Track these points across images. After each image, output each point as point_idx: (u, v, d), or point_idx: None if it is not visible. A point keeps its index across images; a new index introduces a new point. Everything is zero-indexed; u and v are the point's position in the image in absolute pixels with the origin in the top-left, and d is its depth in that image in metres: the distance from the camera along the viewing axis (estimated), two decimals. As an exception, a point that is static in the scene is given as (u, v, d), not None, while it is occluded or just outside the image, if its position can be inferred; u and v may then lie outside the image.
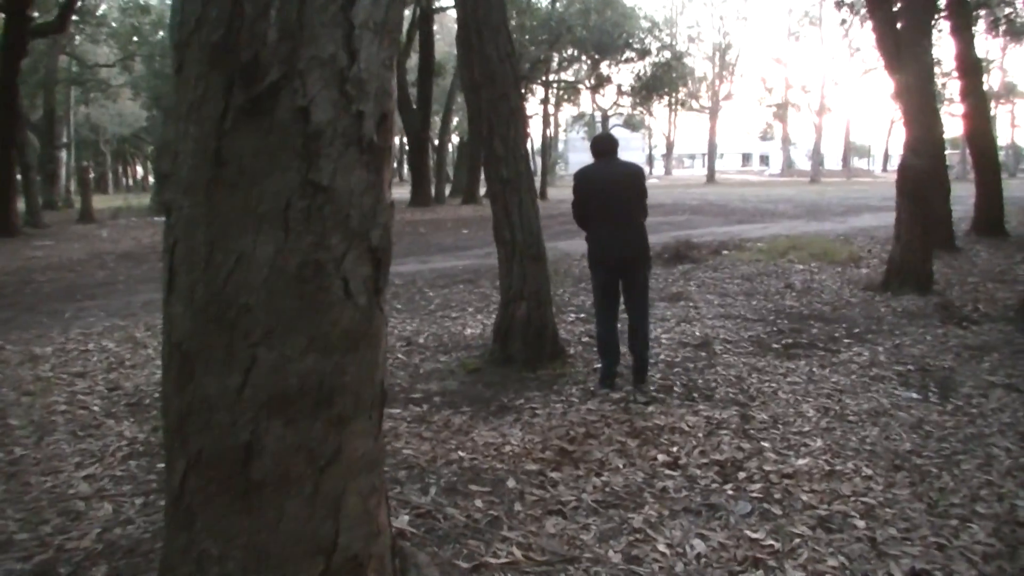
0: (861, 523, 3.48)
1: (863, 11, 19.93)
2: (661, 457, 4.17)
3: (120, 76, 34.88)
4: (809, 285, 10.01)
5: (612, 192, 5.45)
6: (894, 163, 69.64)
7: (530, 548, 3.08)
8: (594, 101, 47.30)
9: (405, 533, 2.87)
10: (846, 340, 7.08)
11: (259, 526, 2.01)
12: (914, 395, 5.50)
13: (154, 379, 5.76)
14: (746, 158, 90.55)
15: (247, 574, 2.02)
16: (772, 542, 3.23)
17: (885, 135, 64.21)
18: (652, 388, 5.48)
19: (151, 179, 47.41)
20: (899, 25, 10.74)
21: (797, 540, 3.27)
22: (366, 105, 2.00)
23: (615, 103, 44.45)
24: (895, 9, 11.78)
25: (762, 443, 4.43)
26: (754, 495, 3.72)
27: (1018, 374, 5.94)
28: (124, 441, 4.29)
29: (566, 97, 39.37)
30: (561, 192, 31.72)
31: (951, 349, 6.70)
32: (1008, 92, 52.07)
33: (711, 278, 10.77)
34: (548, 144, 33.68)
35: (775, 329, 7.53)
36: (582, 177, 5.60)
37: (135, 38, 31.51)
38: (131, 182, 64.96)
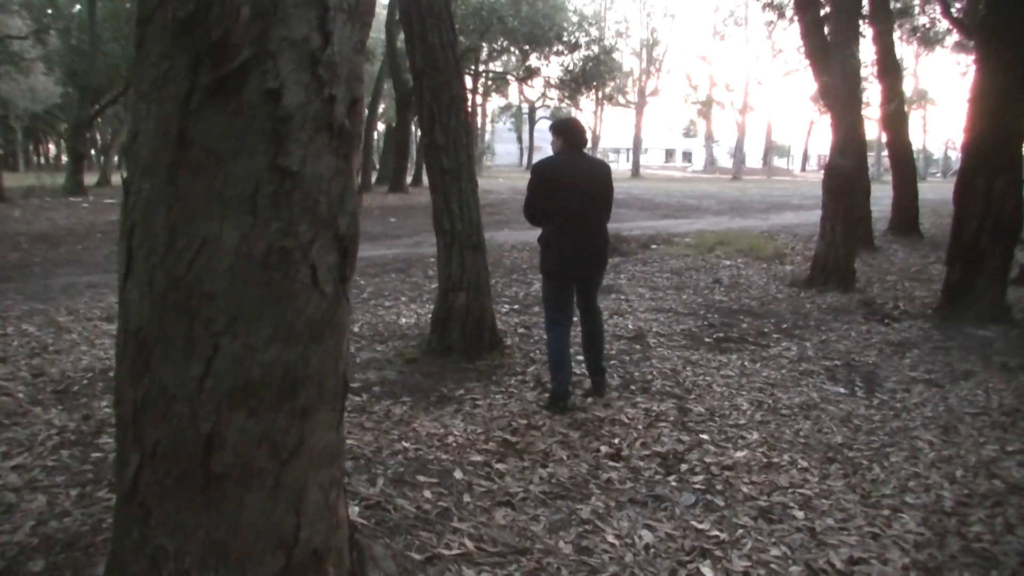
0: (800, 514, 3.58)
1: (788, 14, 20.53)
2: (604, 449, 4.20)
3: (33, 49, 33.33)
4: (737, 280, 10.23)
5: (583, 193, 4.73)
6: (812, 163, 71.64)
7: (482, 539, 3.06)
8: (522, 93, 47.41)
9: (356, 525, 2.82)
10: (775, 335, 7.26)
11: (219, 520, 1.95)
12: (841, 389, 5.68)
13: (81, 365, 5.54)
14: (669, 154, 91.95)
15: (205, 570, 1.96)
16: (717, 532, 3.30)
17: (804, 135, 66.07)
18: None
19: (64, 158, 45.52)
20: (827, 29, 11.05)
21: (741, 531, 3.35)
22: (337, 89, 1.95)
23: (543, 95, 44.62)
24: (822, 13, 12.13)
25: (701, 435, 4.52)
26: (697, 486, 3.78)
27: (937, 370, 6.20)
28: (54, 430, 4.10)
29: (494, 88, 39.31)
30: (489, 182, 31.64)
31: (874, 345, 6.94)
32: (920, 98, 54.17)
33: (641, 272, 10.91)
34: (475, 135, 33.60)
35: (706, 323, 7.67)
36: (546, 171, 4.78)
37: (50, 10, 30.15)
38: (43, 160, 62.27)
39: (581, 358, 5.43)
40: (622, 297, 8.98)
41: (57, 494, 3.25)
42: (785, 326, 7.62)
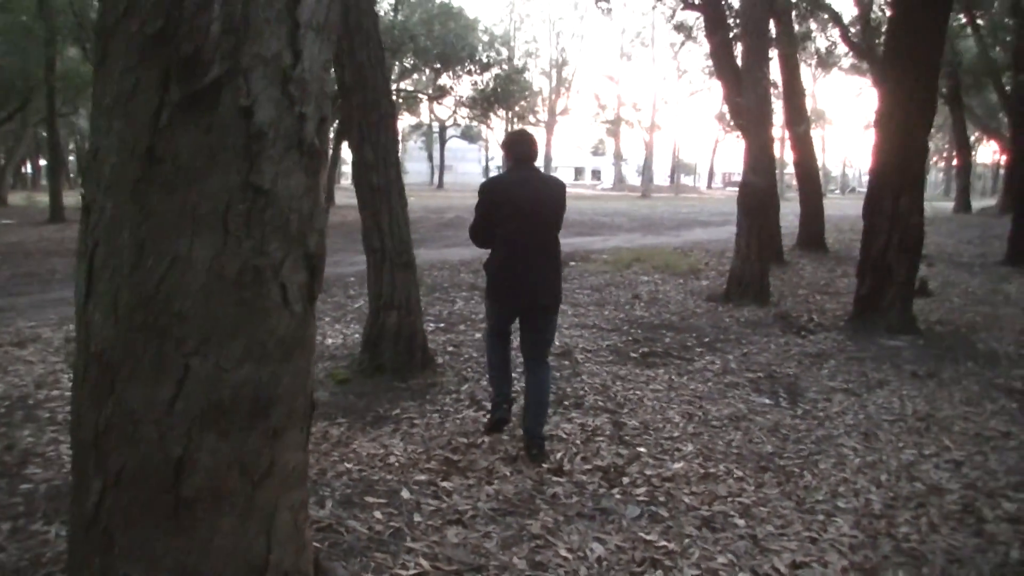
0: (741, 522, 3.68)
1: (695, 34, 21.26)
2: (546, 464, 4.24)
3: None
4: (655, 296, 10.45)
5: (534, 215, 4.26)
6: (718, 180, 73.69)
7: (436, 558, 3.05)
8: (432, 111, 47.48)
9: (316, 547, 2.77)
10: (698, 349, 7.44)
11: (189, 546, 1.90)
12: (766, 400, 5.87)
13: (-7, 393, 5.27)
14: (578, 172, 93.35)
15: (173, 598, 1.90)
16: (665, 543, 3.36)
17: (710, 154, 68.08)
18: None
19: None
20: (738, 51, 11.47)
21: (687, 540, 3.42)
22: (308, 107, 1.94)
23: (454, 114, 44.81)
24: (731, 35, 12.58)
25: (638, 448, 4.60)
26: (641, 499, 3.85)
27: (854, 379, 6.47)
28: (-28, 463, 3.90)
29: (405, 106, 39.23)
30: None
31: (793, 357, 7.19)
32: (818, 118, 56.58)
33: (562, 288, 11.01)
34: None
35: (630, 338, 7.81)
36: (495, 189, 4.37)
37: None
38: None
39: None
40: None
41: (-14, 529, 3.09)
42: (707, 340, 7.82)
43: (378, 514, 3.40)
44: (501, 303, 4.44)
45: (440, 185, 54.84)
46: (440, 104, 42.02)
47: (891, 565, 3.35)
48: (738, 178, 10.38)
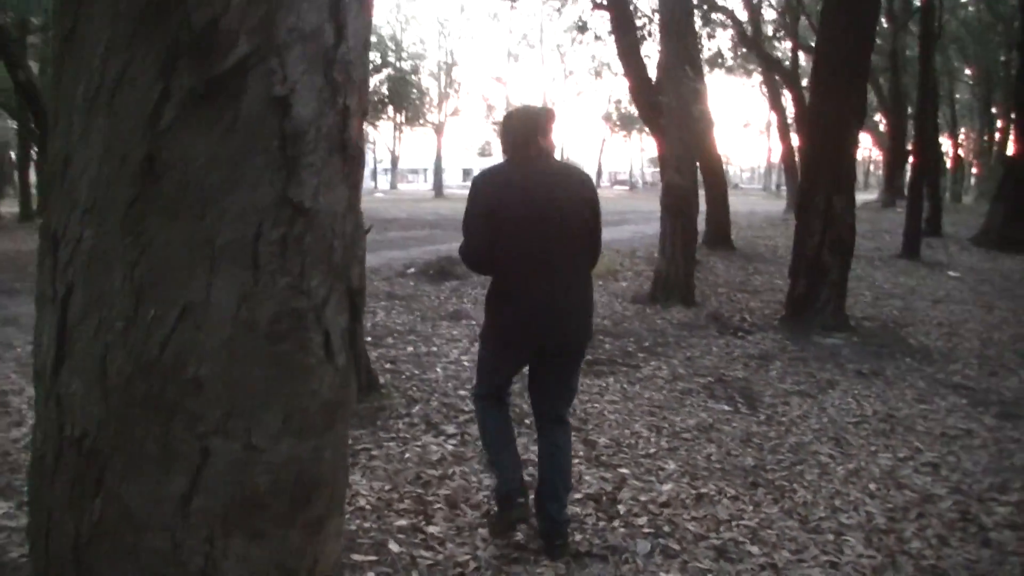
0: (755, 549, 3.41)
1: (577, 37, 21.31)
2: (532, 494, 3.85)
3: None
4: (580, 299, 10.18)
5: (548, 223, 3.06)
6: (605, 179, 74.85)
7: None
8: (322, 114, 46.24)
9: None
10: (640, 354, 7.20)
11: None
12: (725, 407, 5.65)
13: None
14: (467, 173, 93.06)
15: None
16: (691, 583, 3.04)
17: (597, 153, 68.90)
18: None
19: None
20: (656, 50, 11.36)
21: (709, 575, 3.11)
22: (352, 99, 1.49)
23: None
24: (640, 35, 12.49)
25: (620, 470, 4.27)
26: (646, 530, 3.52)
27: (803, 381, 6.35)
28: None
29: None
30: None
31: (738, 359, 7.03)
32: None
33: (481, 294, 10.62)
34: None
35: (569, 345, 7.49)
36: (484, 190, 3.11)
37: None
38: None
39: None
40: (473, 322, 8.64)
41: None
42: (647, 344, 7.59)
43: (372, 574, 2.94)
44: (509, 348, 3.24)
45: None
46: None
47: (920, 586, 3.13)
48: (624, 177, 10.28)
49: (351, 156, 1.50)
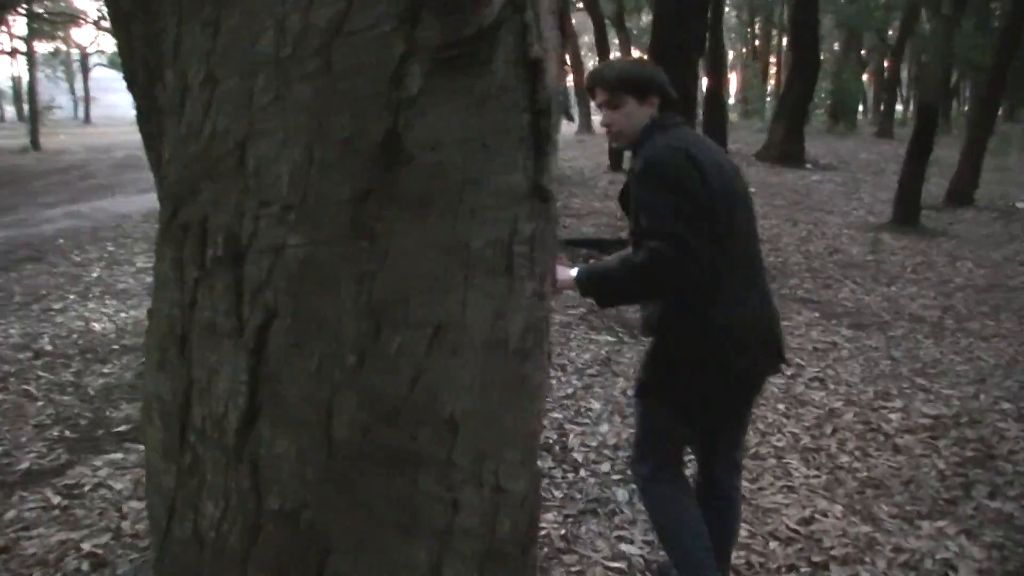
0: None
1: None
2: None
3: None
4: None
5: (743, 198, 2.28)
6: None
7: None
8: (69, 36, 41.42)
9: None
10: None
11: None
12: (609, 337, 5.70)
13: None
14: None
15: None
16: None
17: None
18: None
19: None
20: None
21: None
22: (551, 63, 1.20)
23: (95, 41, 39.60)
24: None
25: (553, 415, 4.20)
26: (614, 477, 3.48)
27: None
28: None
29: (37, 32, 33.60)
30: (51, 140, 26.96)
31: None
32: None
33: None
34: (34, 84, 28.09)
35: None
36: (689, 171, 2.06)
37: None
38: None
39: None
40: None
41: None
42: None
43: None
44: (716, 389, 2.25)
45: (87, 119, 48.04)
46: (79, 28, 36.64)
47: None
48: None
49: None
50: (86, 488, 3.25)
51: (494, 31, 1.02)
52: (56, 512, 3.04)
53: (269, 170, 1.00)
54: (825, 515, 3.27)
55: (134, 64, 4.50)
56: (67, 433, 3.84)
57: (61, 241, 9.00)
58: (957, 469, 3.73)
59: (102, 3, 30.64)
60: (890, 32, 30.20)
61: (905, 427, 4.20)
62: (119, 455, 3.57)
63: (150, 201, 12.26)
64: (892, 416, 4.35)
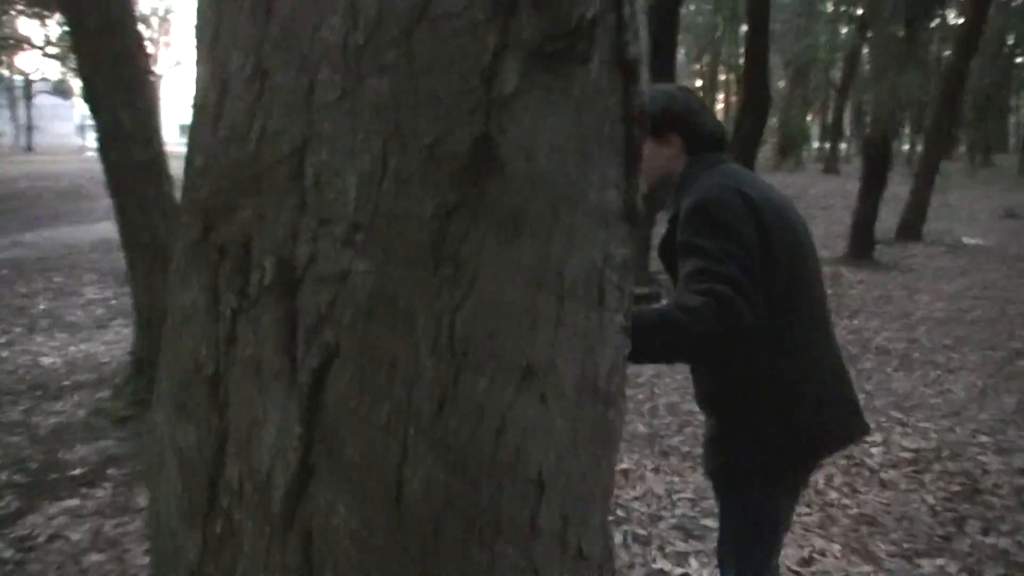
0: (710, 522, 3.32)
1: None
2: None
3: None
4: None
5: (809, 246, 1.97)
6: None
7: None
8: (13, 63, 40.46)
9: None
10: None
11: None
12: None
13: None
14: (183, 130, 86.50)
15: None
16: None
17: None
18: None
19: None
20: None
21: None
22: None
23: (38, 68, 38.68)
24: None
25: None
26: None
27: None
28: None
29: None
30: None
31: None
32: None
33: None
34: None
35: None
36: (762, 206, 1.80)
37: None
38: None
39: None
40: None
41: None
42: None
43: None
44: (802, 468, 1.98)
45: (29, 148, 46.78)
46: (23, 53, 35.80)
47: None
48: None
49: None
50: (40, 539, 2.98)
51: (592, 26, 0.88)
52: (9, 568, 2.77)
53: (332, 182, 0.85)
54: (823, 554, 3.21)
55: (99, 87, 4.29)
56: (16, 478, 3.55)
57: (5, 272, 8.60)
58: (947, 504, 3.69)
59: (48, 30, 30.03)
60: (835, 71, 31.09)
61: (888, 462, 4.16)
62: (75, 501, 3.30)
63: (98, 230, 11.91)
64: (874, 450, 4.31)
